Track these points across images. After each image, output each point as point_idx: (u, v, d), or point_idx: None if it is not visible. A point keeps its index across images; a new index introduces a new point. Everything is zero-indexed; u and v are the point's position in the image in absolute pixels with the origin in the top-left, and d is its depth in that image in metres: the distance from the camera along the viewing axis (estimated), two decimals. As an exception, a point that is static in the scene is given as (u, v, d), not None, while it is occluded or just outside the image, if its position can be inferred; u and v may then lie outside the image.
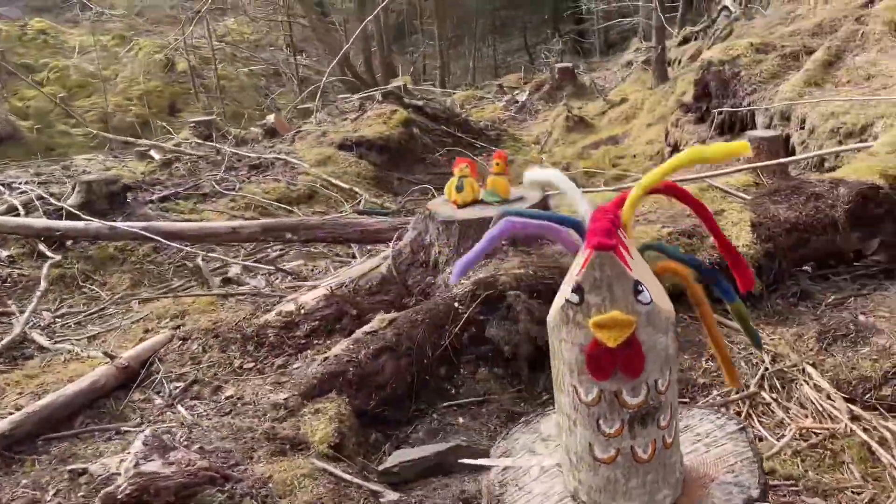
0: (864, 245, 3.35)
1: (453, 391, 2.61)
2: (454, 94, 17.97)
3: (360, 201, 7.75)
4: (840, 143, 5.49)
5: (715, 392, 2.62)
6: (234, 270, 4.80)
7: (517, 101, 14.22)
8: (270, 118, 11.94)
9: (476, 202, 3.33)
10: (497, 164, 3.30)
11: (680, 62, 12.33)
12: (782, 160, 4.72)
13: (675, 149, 7.62)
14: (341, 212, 7.56)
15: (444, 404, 2.56)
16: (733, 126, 7.00)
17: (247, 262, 5.26)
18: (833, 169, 5.43)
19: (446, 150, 9.93)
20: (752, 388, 2.61)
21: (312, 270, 4.85)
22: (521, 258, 3.00)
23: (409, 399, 2.53)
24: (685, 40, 12.89)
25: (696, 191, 5.19)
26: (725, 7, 11.76)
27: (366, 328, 2.74)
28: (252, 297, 4.02)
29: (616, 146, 10.53)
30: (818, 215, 3.25)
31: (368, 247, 5.77)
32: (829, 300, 3.09)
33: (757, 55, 6.97)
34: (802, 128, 5.95)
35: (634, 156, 9.75)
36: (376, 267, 3.47)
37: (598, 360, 1.18)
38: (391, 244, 3.54)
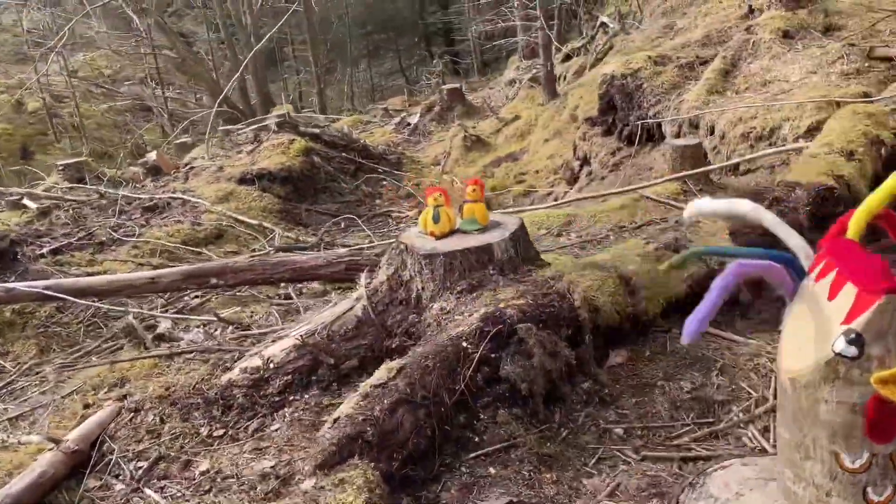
0: (823, 244, 3.47)
1: (476, 439, 2.42)
2: (339, 119, 17.72)
3: (272, 237, 7.37)
4: (752, 146, 5.76)
5: (735, 408, 2.58)
6: (164, 325, 4.36)
7: (409, 124, 14.16)
8: (151, 156, 11.21)
9: (454, 232, 3.16)
10: (473, 190, 3.15)
11: (566, 78, 12.73)
12: (714, 166, 4.86)
13: (586, 161, 7.77)
14: (254, 249, 7.17)
15: (471, 455, 2.36)
16: (641, 136, 7.23)
17: (175, 314, 4.81)
18: (746, 172, 5.69)
19: (386, 182, 9.71)
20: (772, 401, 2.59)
21: (252, 316, 4.49)
22: (514, 287, 2.86)
23: (432, 454, 2.32)
24: (568, 57, 13.33)
25: (630, 201, 5.27)
26: (603, 23, 12.26)
27: (373, 381, 2.49)
28: (201, 355, 3.64)
29: (516, 163, 10.67)
30: (784, 220, 3.32)
31: (300, 285, 5.46)
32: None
33: (656, 67, 7.24)
34: (712, 134, 6.21)
35: (537, 171, 9.90)
36: (349, 309, 3.22)
37: (882, 422, 1.03)
38: (362, 282, 3.30)
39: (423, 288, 3.03)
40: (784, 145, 5.57)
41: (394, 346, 3.08)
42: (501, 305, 2.65)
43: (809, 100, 5.53)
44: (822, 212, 3.42)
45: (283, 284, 5.40)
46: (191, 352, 3.67)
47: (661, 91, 6.99)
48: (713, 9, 8.69)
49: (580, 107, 10.56)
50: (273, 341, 3.33)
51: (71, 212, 8.21)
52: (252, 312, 4.55)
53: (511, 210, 6.22)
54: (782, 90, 6.09)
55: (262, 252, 6.68)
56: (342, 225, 8.28)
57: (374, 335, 3.14)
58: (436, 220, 3.10)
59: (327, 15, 26.72)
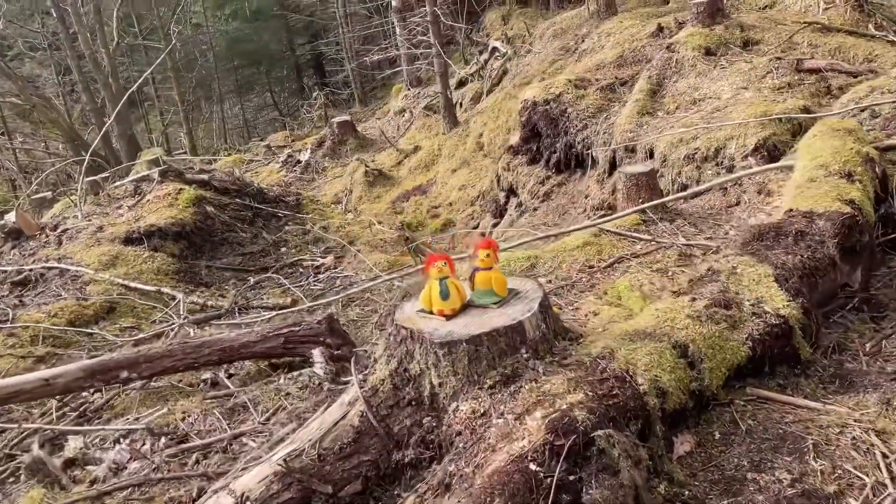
0: (850, 278, 3.17)
1: None
2: (217, 160, 16.61)
3: (175, 304, 6.43)
4: (698, 167, 5.54)
5: (853, 501, 2.14)
6: (73, 444, 3.45)
7: (299, 161, 13.37)
8: (10, 217, 9.81)
9: (465, 307, 2.58)
10: (487, 255, 2.58)
11: (462, 105, 12.43)
12: (686, 193, 4.54)
13: (512, 192, 7.38)
14: (154, 321, 6.22)
15: None
16: (569, 163, 6.92)
17: (80, 423, 3.89)
18: (696, 196, 5.45)
19: (289, 227, 8.87)
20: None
21: (185, 418, 3.66)
22: (561, 375, 2.31)
23: None
24: (461, 83, 13.05)
25: (590, 237, 4.88)
26: (495, 48, 12.08)
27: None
28: (140, 490, 2.82)
29: (426, 196, 10.18)
30: (816, 255, 2.99)
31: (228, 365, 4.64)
32: (867, 349, 2.82)
33: (577, 91, 6.98)
34: (651, 157, 5.96)
35: (451, 203, 9.46)
36: (342, 418, 2.54)
37: None
38: (355, 381, 2.63)
39: (439, 384, 2.41)
40: (732, 165, 5.38)
41: (407, 459, 2.45)
42: (565, 406, 2.09)
43: (754, 118, 5.38)
44: (847, 242, 3.12)
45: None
46: (125, 487, 2.84)
47: (588, 115, 6.72)
48: (615, 29, 8.60)
49: (485, 134, 10.27)
50: (244, 469, 2.58)
51: (-84, 293, 6.89)
52: (183, 413, 3.73)
53: (454, 257, 5.66)
54: (716, 108, 5.95)
55: (167, 324, 5.75)
56: (251, 281, 7.43)
57: (379, 448, 2.48)
58: (444, 295, 2.50)
59: (190, 51, 25.36)
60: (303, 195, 11.13)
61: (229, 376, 4.62)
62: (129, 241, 7.73)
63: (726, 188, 5.30)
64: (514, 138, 7.46)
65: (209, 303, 6.53)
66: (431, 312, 2.55)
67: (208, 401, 3.91)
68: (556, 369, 2.35)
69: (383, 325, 3.05)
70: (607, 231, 4.93)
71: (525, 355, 2.39)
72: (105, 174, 13.70)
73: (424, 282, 2.59)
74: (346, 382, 3.57)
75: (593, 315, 3.74)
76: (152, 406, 4.19)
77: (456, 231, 7.37)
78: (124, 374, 4.28)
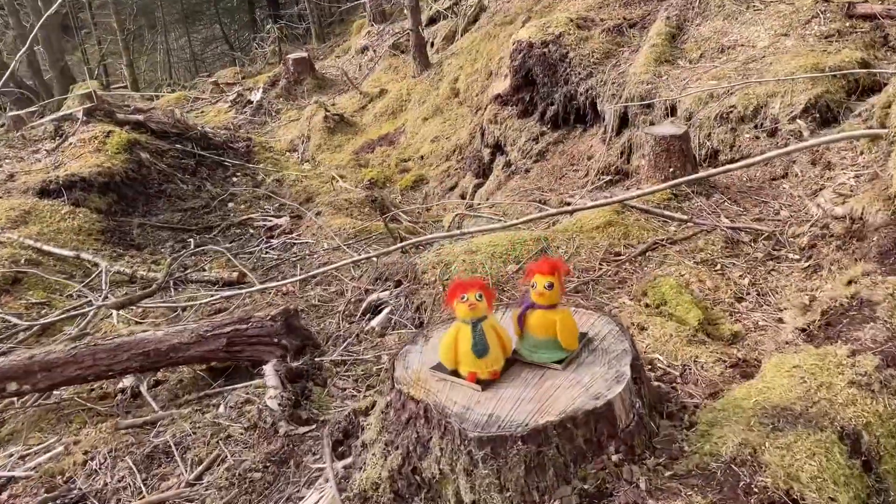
0: None
1: None
2: (160, 97, 15.11)
3: (96, 274, 5.34)
4: (733, 130, 4.64)
5: None
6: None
7: (250, 101, 12.06)
8: None
9: (510, 363, 1.64)
10: (549, 286, 1.63)
11: (433, 44, 11.23)
12: (744, 162, 3.63)
13: (498, 149, 6.39)
14: (70, 295, 5.14)
15: None
16: (568, 117, 5.95)
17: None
18: (731, 161, 4.57)
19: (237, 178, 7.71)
20: None
21: (87, 465, 2.66)
22: (682, 500, 1.41)
23: None
24: (432, 20, 11.82)
25: (612, 214, 3.96)
26: (472, -19, 10.86)
27: None
28: None
29: (393, 147, 9.10)
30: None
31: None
32: None
33: (580, 32, 5.96)
34: (672, 114, 5.04)
35: (423, 157, 8.40)
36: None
37: None
38: (330, 476, 1.68)
39: (474, 500, 1.48)
40: (776, 128, 4.49)
41: None
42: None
43: (804, 72, 4.47)
44: None
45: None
46: None
47: (593, 61, 5.72)
48: (615, -38, 7.52)
49: (461, 79, 9.16)
50: None
51: None
52: (85, 454, 2.73)
53: (443, 234, 4.72)
54: (750, 58, 5.02)
55: (80, 308, 4.67)
56: (191, 244, 6.34)
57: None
58: (480, 349, 1.57)
59: (131, -27, 23.25)
60: (254, 141, 9.91)
61: (155, 384, 3.63)
62: (45, 192, 6.55)
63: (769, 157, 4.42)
64: (503, 86, 6.42)
65: (139, 273, 5.45)
66: (456, 373, 1.61)
67: (122, 432, 2.91)
68: (668, 483, 1.45)
69: (383, 378, 2.10)
70: (632, 207, 4.01)
71: (615, 457, 1.47)
72: (32, 109, 12.19)
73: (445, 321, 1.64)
74: (307, 423, 2.62)
75: (638, 330, 2.84)
76: (48, 430, 3.19)
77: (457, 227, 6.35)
78: (13, 387, 3.26)
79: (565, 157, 5.75)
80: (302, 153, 9.62)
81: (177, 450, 2.60)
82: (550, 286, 1.64)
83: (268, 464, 2.40)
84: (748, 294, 3.24)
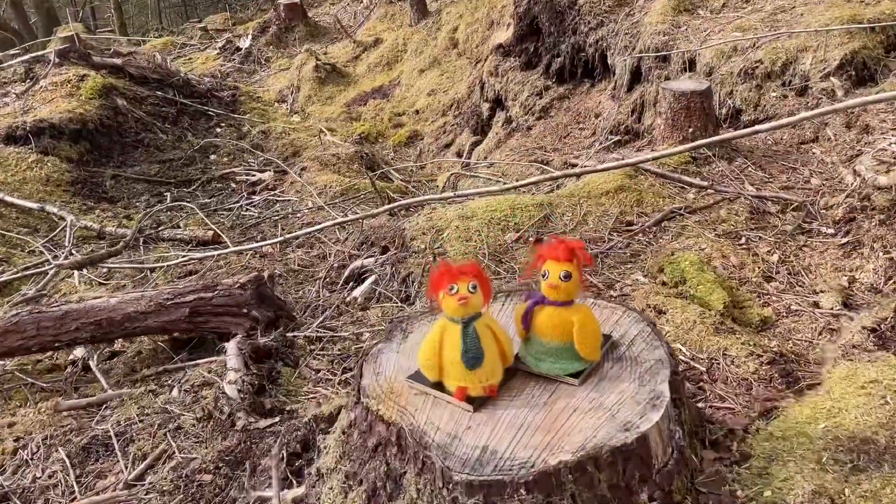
0: None
1: None
2: (146, 42, 14.46)
3: (62, 228, 4.94)
4: (759, 87, 4.21)
5: None
6: None
7: (238, 48, 11.48)
8: None
9: (510, 371, 1.27)
10: (565, 276, 1.24)
11: (432, -9, 10.61)
12: (775, 124, 3.23)
13: (499, 104, 5.94)
14: (32, 251, 4.74)
15: None
16: (575, 71, 5.49)
17: None
18: (755, 122, 4.16)
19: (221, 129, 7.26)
20: None
21: (17, 454, 2.30)
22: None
23: None
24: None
25: (624, 178, 3.56)
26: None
27: None
28: None
29: (387, 100, 8.61)
30: None
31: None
32: None
33: (591, -23, 5.46)
34: (691, 69, 4.60)
35: (418, 111, 7.93)
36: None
37: None
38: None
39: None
40: (807, 85, 4.07)
41: None
42: None
43: (840, 24, 4.03)
44: None
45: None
46: None
47: (604, 9, 5.25)
48: None
49: (461, 29, 8.63)
50: None
51: None
52: (17, 440, 2.37)
53: (436, 196, 4.34)
54: (778, 8, 4.56)
55: (38, 267, 4.28)
56: (167, 198, 5.93)
57: None
58: (472, 357, 1.19)
59: (119, -89, 22.26)
60: (241, 90, 9.41)
61: (111, 356, 3.26)
62: (11, 139, 6.11)
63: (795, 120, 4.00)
64: (505, 35, 5.94)
65: (108, 228, 5.05)
66: (440, 386, 1.24)
67: (63, 415, 2.55)
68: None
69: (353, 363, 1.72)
70: (646, 171, 3.61)
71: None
72: (13, 51, 11.64)
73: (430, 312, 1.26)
74: (270, 413, 2.26)
75: (656, 313, 2.47)
76: (-14, 408, 2.82)
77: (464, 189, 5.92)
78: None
79: (571, 114, 5.32)
80: (291, 104, 9.12)
81: (118, 441, 2.24)
82: (567, 277, 1.25)
83: (220, 464, 2.05)
84: (778, 273, 2.87)
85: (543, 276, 1.27)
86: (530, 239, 3.14)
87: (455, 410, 1.22)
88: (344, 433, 1.29)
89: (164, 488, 2.01)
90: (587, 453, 1.10)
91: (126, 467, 2.13)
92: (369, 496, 1.20)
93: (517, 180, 4.04)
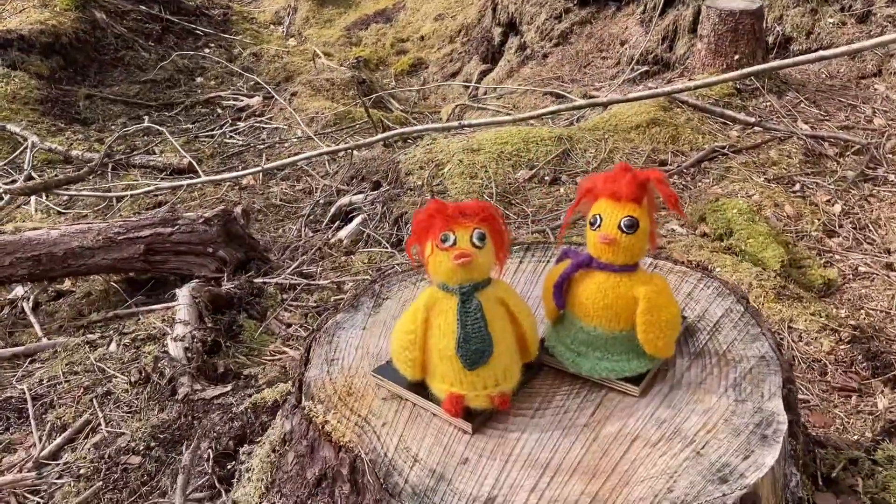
0: None
1: None
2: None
3: (23, 148, 4.47)
4: (813, 11, 3.66)
5: None
6: None
7: (234, -34, 10.70)
8: None
9: (534, 368, 0.82)
10: (630, 219, 0.78)
11: None
12: (836, 51, 2.73)
13: (512, 28, 5.37)
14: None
15: None
16: (599, -8, 4.90)
17: None
18: (806, 52, 3.63)
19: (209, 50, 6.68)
20: None
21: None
22: None
23: None
24: None
25: (657, 109, 3.06)
26: None
27: None
28: None
29: (390, 25, 7.98)
30: None
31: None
32: None
33: None
34: (733, -8, 4.02)
35: (423, 38, 7.32)
36: None
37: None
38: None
39: None
40: (869, 10, 3.52)
41: None
42: None
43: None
44: None
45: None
46: None
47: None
48: None
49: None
50: None
51: None
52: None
53: (438, 125, 3.87)
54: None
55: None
56: (144, 121, 5.42)
57: None
58: (474, 350, 0.74)
59: None
60: (233, 9, 8.78)
61: (57, 297, 2.83)
62: (-25, 51, 5.57)
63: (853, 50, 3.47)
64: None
65: (75, 152, 4.57)
66: (423, 388, 0.79)
67: (-18, 368, 2.13)
68: None
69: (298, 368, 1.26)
70: (683, 102, 3.11)
71: None
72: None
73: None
74: (222, 379, 1.83)
75: (700, 272, 2.01)
76: None
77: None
78: None
79: (593, 40, 4.76)
80: (287, 27, 8.48)
81: (34, 406, 1.82)
82: (632, 226, 0.78)
83: (152, 443, 1.63)
84: (841, 227, 2.41)
85: (593, 224, 0.80)
86: (546, 178, 2.66)
87: (444, 430, 0.78)
88: (275, 451, 0.86)
89: (82, 471, 1.60)
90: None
91: (39, 440, 1.71)
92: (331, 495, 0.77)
93: (531, 112, 3.54)
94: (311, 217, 3.40)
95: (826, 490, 0.98)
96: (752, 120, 2.98)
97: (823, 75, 3.46)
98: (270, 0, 9.56)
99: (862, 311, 1.97)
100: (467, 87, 5.18)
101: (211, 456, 1.21)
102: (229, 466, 1.21)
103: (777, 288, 1.89)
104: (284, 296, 2.43)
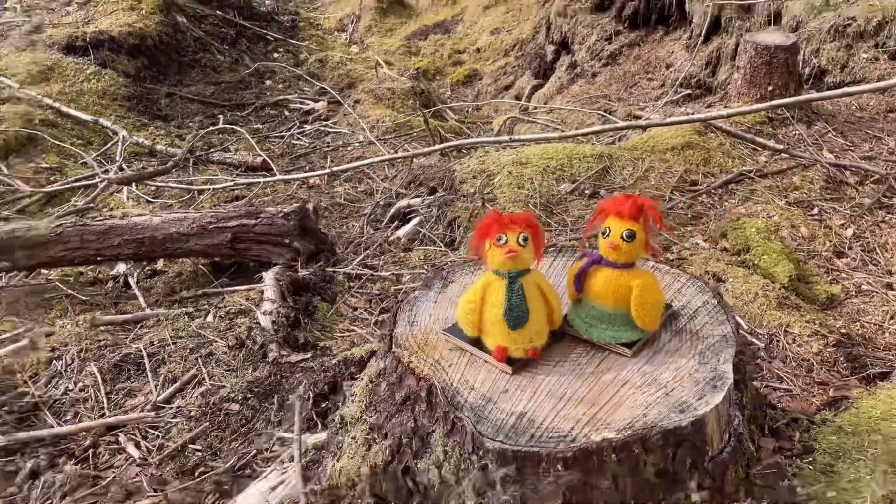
0: None
1: None
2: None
3: (114, 142, 4.95)
4: (848, 47, 3.90)
5: None
6: None
7: (302, -27, 11.23)
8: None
9: (556, 335, 1.16)
10: (629, 236, 1.12)
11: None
12: (865, 87, 2.98)
13: (564, 47, 5.68)
14: (84, 163, 4.76)
15: None
16: (649, 17, 5.19)
17: None
18: (840, 85, 3.87)
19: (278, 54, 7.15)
20: None
21: (52, 366, 2.30)
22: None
23: None
24: None
25: (692, 134, 3.35)
26: None
27: None
28: None
29: (448, 36, 8.36)
30: None
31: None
32: None
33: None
34: (776, 23, 4.28)
35: (478, 50, 7.68)
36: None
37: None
38: (296, 454, 1.24)
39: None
40: (902, 50, 3.74)
41: None
42: None
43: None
44: None
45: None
46: None
47: (688, -49, 4.90)
48: None
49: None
50: None
51: None
52: (52, 350, 2.37)
53: (490, 139, 4.17)
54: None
55: (89, 181, 4.29)
56: (219, 121, 5.88)
57: None
58: (516, 317, 1.08)
59: None
60: (300, 16, 9.27)
61: (152, 275, 3.25)
62: (71, 49, 6.09)
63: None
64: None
65: (159, 146, 5.03)
66: (478, 343, 1.14)
67: (99, 329, 2.55)
68: None
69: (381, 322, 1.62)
70: (717, 128, 3.39)
71: (696, 497, 1.00)
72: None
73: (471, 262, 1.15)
74: (303, 348, 2.20)
75: (715, 281, 2.31)
76: (24, 315, 2.84)
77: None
78: (-9, 263, 2.90)
79: (640, 62, 5.04)
80: (350, 34, 8.93)
81: (150, 362, 2.21)
82: (631, 236, 1.12)
83: (248, 395, 2.01)
84: (850, 248, 2.67)
85: (604, 234, 1.15)
86: (586, 192, 2.98)
87: (492, 371, 1.13)
88: (372, 382, 1.21)
89: (192, 413, 1.98)
90: (635, 433, 1.00)
91: (155, 388, 2.11)
92: (393, 451, 1.12)
93: (577, 128, 3.85)
94: (371, 216, 3.77)
95: (769, 436, 1.28)
96: (781, 147, 3.25)
97: (853, 107, 3.69)
98: (335, 7, 10.04)
99: (857, 322, 2.25)
100: (519, 101, 5.51)
101: (311, 395, 1.57)
102: (323, 405, 1.55)
103: (780, 298, 2.18)
104: (351, 284, 2.80)
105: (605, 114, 3.98)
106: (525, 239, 1.12)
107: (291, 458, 1.28)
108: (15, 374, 2.29)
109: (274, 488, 1.21)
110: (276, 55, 7.78)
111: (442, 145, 3.51)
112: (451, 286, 1.31)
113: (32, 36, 6.40)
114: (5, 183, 4.25)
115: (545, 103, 5.09)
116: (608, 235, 1.15)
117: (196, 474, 1.78)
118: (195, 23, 7.42)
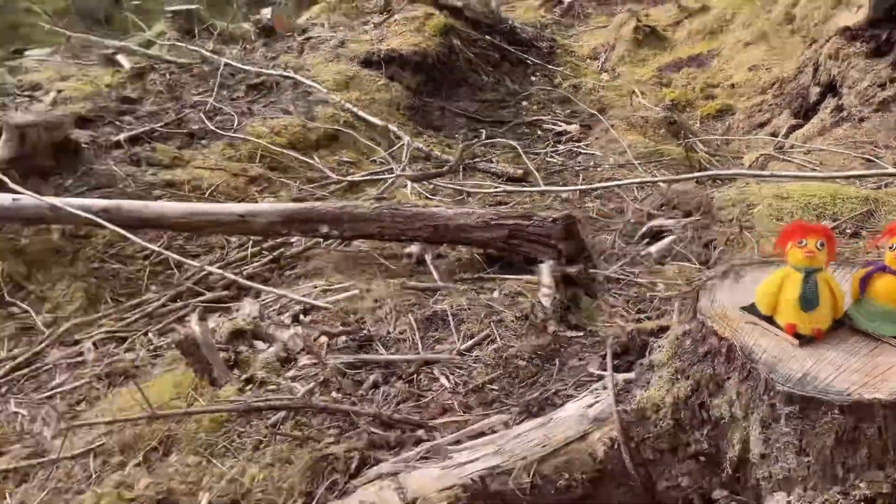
0: None
1: None
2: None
3: (398, 146, 5.78)
4: None
5: None
6: (246, 310, 2.91)
7: (561, 2, 11.88)
8: (266, 13, 9.58)
9: (837, 326, 1.49)
10: None
11: (775, -40, 10.03)
12: None
13: (831, 89, 5.64)
14: (372, 160, 5.63)
15: None
16: (931, 65, 5.02)
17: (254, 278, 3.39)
18: None
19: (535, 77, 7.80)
20: None
21: (375, 313, 2.95)
22: None
23: None
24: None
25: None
26: None
27: None
28: (294, 417, 2.18)
29: (702, 70, 8.47)
30: None
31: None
32: None
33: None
34: None
35: (733, 85, 7.73)
36: (578, 438, 1.63)
37: None
38: (610, 388, 1.68)
39: (762, 455, 1.39)
40: None
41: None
42: None
43: None
44: None
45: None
46: (278, 408, 2.21)
47: None
48: None
49: (800, 4, 8.14)
50: (423, 459, 1.79)
51: (168, 77, 6.87)
52: (375, 302, 3.04)
53: (752, 172, 4.35)
54: None
55: (384, 169, 5.11)
56: (482, 134, 6.57)
57: (628, 500, 1.56)
58: (808, 302, 1.42)
59: None
60: (557, 42, 9.86)
61: (436, 257, 3.89)
62: (367, 62, 7.14)
63: None
64: (854, 17, 5.57)
65: (435, 152, 5.80)
66: (770, 320, 1.49)
67: (407, 291, 3.19)
68: None
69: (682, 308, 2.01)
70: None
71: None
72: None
73: (767, 263, 1.51)
74: (575, 328, 2.64)
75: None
76: (347, 272, 3.59)
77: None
78: (324, 229, 3.69)
79: (914, 111, 4.91)
80: (602, 62, 9.34)
81: (453, 320, 2.78)
82: None
83: (534, 356, 2.48)
84: None
85: (890, 248, 1.44)
86: (847, 230, 3.13)
87: (781, 342, 1.46)
88: (677, 339, 1.60)
89: (488, 362, 2.50)
90: None
91: (457, 340, 2.66)
92: (693, 389, 1.50)
93: (838, 171, 3.94)
94: (623, 231, 4.14)
95: None
96: None
97: None
98: (590, 36, 10.52)
99: None
100: (775, 138, 5.57)
101: (613, 350, 1.98)
102: (615, 363, 1.97)
103: None
104: (610, 285, 3.20)
105: (874, 159, 4.01)
106: (821, 245, 1.44)
107: (604, 388, 1.70)
108: (349, 316, 2.98)
109: (591, 406, 1.64)
110: (533, 79, 8.41)
111: (701, 173, 3.80)
112: (744, 279, 1.65)
113: (338, 50, 7.56)
114: (318, 169, 5.21)
115: (804, 143, 5.13)
116: (894, 249, 1.44)
117: (493, 406, 2.28)
118: (467, 46, 8.25)
